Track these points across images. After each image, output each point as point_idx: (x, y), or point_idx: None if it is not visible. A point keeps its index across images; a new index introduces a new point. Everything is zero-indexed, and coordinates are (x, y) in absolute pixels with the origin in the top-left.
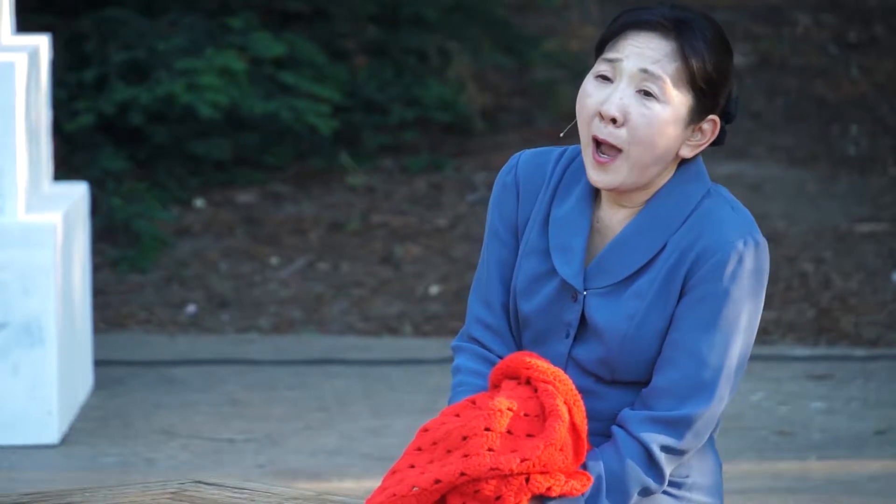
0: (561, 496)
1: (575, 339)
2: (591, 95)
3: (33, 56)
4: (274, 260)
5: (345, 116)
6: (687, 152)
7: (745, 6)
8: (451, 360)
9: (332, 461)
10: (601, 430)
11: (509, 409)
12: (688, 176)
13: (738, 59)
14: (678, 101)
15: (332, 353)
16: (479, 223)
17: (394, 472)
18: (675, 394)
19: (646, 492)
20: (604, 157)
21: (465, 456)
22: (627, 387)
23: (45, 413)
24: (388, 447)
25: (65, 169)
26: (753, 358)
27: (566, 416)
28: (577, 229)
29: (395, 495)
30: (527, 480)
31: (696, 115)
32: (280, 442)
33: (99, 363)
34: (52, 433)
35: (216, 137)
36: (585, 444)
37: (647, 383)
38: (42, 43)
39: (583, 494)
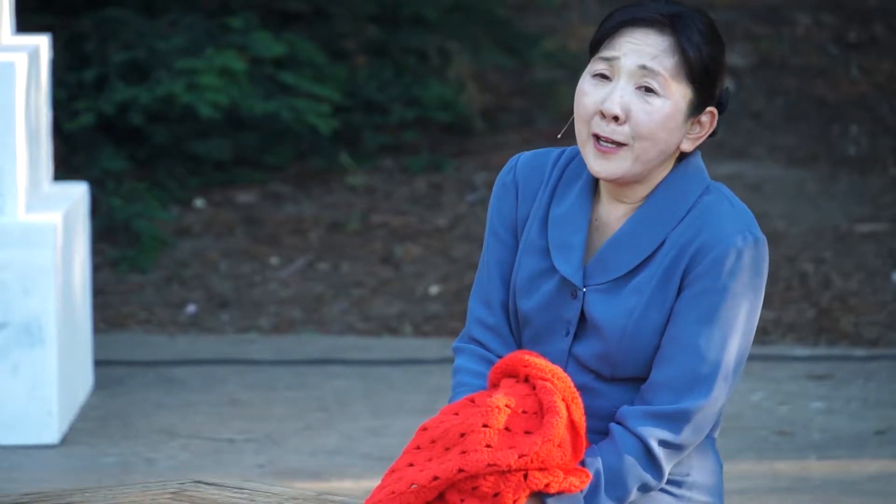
0: (559, 493)
1: (575, 336)
2: (590, 94)
3: (33, 56)
4: (274, 260)
5: (345, 116)
6: (687, 146)
7: (745, 6)
8: (451, 360)
9: (332, 461)
10: (601, 428)
11: (507, 406)
12: (687, 172)
13: (738, 59)
14: (678, 95)
15: (332, 353)
16: (479, 223)
17: (393, 470)
18: (673, 388)
19: (645, 487)
20: (606, 147)
21: (463, 453)
22: (627, 384)
23: (45, 413)
24: (388, 447)
25: (65, 169)
26: (753, 358)
27: (564, 412)
28: (577, 226)
29: (393, 493)
30: (525, 477)
31: (695, 108)
32: (280, 442)
33: (99, 363)
34: (52, 433)
35: (216, 137)
36: (584, 441)
37: (646, 380)
38: (42, 43)
39: (581, 491)
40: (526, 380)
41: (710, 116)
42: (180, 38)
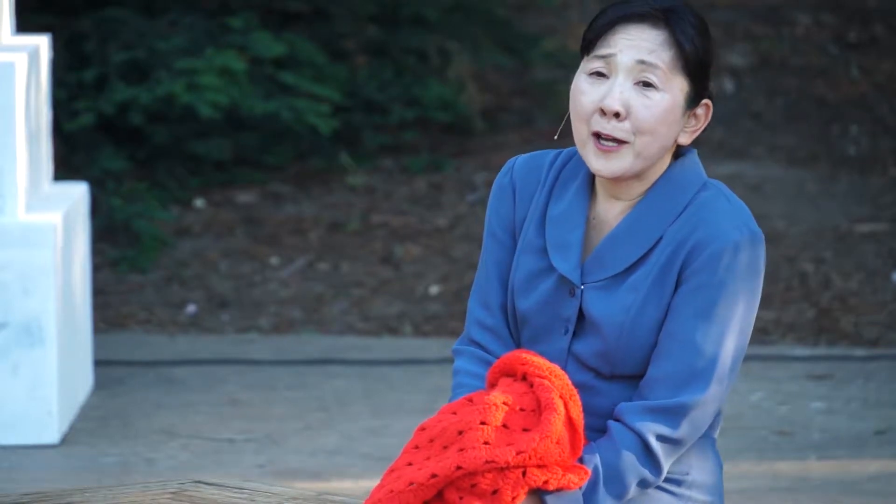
0: (558, 489)
1: (574, 334)
2: (587, 93)
3: (33, 56)
4: (274, 260)
5: (345, 116)
6: (684, 139)
7: (745, 6)
8: (451, 360)
9: (332, 461)
10: (602, 426)
11: (505, 404)
12: (684, 169)
13: (738, 59)
14: (676, 88)
15: (332, 353)
16: (479, 223)
17: (392, 470)
18: (670, 383)
19: (644, 483)
20: (607, 145)
21: (461, 450)
22: (627, 382)
23: (45, 413)
24: (387, 447)
25: (65, 169)
26: (753, 358)
27: (562, 409)
28: (574, 225)
29: (392, 491)
30: (523, 474)
31: (692, 101)
32: (280, 442)
33: (99, 363)
34: (52, 433)
35: (216, 137)
36: (582, 438)
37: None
38: (42, 43)
39: (580, 488)
40: (524, 378)
41: (705, 109)
42: (180, 38)
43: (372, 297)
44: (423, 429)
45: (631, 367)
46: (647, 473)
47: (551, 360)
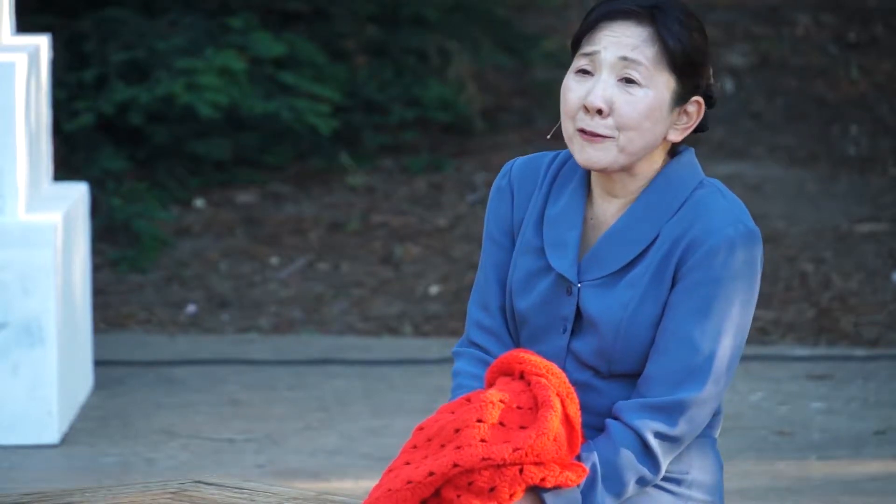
0: (556, 487)
1: (572, 332)
2: (573, 90)
3: (33, 56)
4: (274, 260)
5: (345, 116)
6: (675, 136)
7: (745, 6)
8: (451, 360)
9: (332, 461)
10: (601, 424)
11: (501, 402)
12: (680, 167)
13: (738, 59)
14: (661, 84)
15: (332, 353)
16: (478, 223)
17: (390, 469)
18: (668, 380)
19: (642, 481)
20: (591, 137)
21: (458, 448)
22: (625, 380)
23: (45, 413)
24: (387, 447)
25: (65, 169)
26: (753, 358)
27: (559, 407)
28: (571, 224)
29: (390, 490)
30: (521, 471)
31: (680, 98)
32: (280, 442)
33: (99, 363)
34: (52, 433)
35: (216, 137)
36: (579, 436)
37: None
38: (42, 43)
39: (578, 486)
40: (521, 376)
41: (696, 106)
42: (180, 38)
43: (372, 297)
44: (420, 428)
45: (629, 364)
46: (645, 471)
47: (550, 359)
